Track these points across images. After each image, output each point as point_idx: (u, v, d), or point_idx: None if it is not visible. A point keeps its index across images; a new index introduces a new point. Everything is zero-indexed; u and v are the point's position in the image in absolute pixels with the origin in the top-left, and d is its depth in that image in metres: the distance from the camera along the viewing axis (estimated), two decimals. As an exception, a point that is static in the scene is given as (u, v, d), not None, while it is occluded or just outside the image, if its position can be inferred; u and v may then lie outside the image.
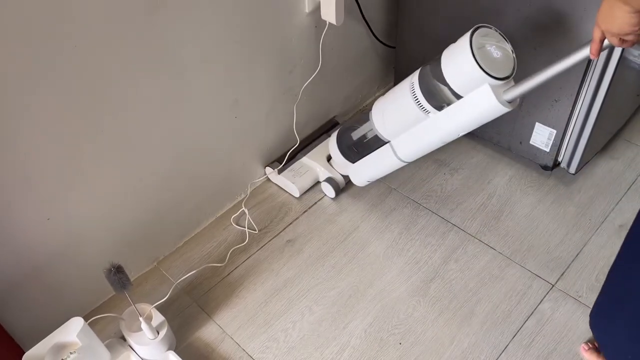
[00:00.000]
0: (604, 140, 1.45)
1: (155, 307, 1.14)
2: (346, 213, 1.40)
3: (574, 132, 1.30)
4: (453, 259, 1.28)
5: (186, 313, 1.22)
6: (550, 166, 1.39)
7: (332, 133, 1.40)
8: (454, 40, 1.39)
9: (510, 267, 1.26)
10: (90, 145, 1.04)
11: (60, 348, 0.98)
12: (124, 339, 1.14)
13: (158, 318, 1.13)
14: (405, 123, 1.15)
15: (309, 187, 1.45)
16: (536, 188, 1.41)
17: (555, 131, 1.32)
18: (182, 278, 1.28)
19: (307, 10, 1.29)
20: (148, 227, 1.25)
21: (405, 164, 1.23)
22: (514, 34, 1.24)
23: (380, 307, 1.20)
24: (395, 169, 1.26)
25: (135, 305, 1.06)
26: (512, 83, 1.01)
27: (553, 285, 1.22)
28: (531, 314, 1.17)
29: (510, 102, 1.00)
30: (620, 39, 0.76)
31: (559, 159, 1.38)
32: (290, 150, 1.46)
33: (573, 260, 1.26)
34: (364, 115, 1.26)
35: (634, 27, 0.72)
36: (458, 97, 1.04)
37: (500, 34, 1.02)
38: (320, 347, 1.15)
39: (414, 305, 1.20)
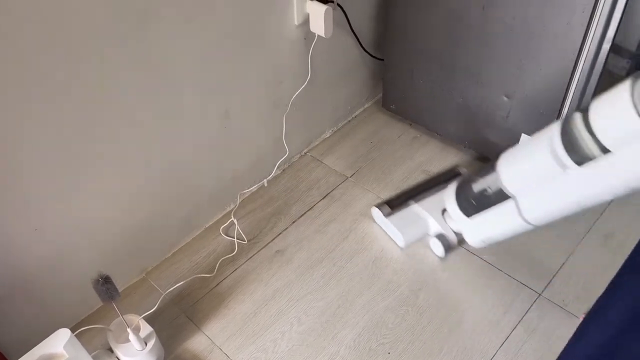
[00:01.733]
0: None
1: (143, 318, 1.13)
2: (335, 223, 1.40)
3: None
4: (441, 268, 1.29)
5: (175, 324, 1.22)
6: (537, 176, 1.40)
7: (450, 183, 1.25)
8: (441, 52, 1.42)
9: (498, 276, 1.27)
10: (78, 155, 1.04)
11: (46, 360, 0.97)
12: (111, 350, 1.13)
13: (146, 329, 1.12)
14: (536, 175, 0.99)
15: (416, 239, 1.33)
16: (523, 198, 1.43)
17: (540, 142, 1.33)
18: (171, 289, 1.27)
19: (296, 23, 1.31)
20: (136, 237, 1.25)
21: (531, 227, 1.06)
22: (499, 46, 1.27)
23: (369, 316, 1.21)
24: (518, 232, 1.09)
25: (123, 316, 1.05)
26: None
27: (540, 294, 1.23)
28: (518, 323, 1.18)
29: None
30: None
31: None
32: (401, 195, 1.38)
33: (559, 270, 1.27)
34: (489, 166, 1.11)
35: None
36: (606, 151, 0.86)
37: None
38: (309, 357, 1.15)
39: (403, 314, 1.21)
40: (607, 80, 1.23)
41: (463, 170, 1.43)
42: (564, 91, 1.23)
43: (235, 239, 1.37)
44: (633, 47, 1.27)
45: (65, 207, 1.07)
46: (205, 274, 1.30)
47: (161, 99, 1.12)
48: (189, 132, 1.23)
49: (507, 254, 1.31)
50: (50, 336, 0.98)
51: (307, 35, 1.36)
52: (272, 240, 1.37)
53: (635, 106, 0.80)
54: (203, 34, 1.13)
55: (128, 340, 1.09)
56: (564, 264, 1.28)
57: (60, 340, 0.98)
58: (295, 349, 1.16)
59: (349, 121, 1.70)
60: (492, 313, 1.20)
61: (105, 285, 0.97)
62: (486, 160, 1.46)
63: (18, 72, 0.88)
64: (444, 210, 1.30)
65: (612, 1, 1.07)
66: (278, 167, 1.52)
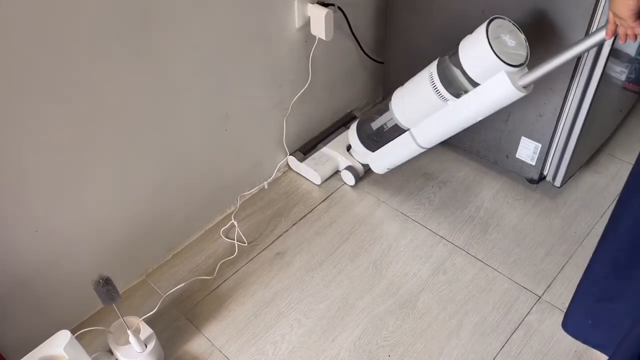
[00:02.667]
0: (588, 154, 1.48)
1: (143, 319, 1.13)
2: (335, 225, 1.40)
3: (559, 146, 1.33)
4: (441, 271, 1.29)
5: (174, 326, 1.22)
6: (536, 179, 1.41)
7: (351, 124, 1.46)
8: (440, 55, 1.42)
9: (498, 279, 1.27)
10: (79, 157, 1.04)
11: (46, 361, 0.97)
12: (111, 352, 1.13)
13: (146, 331, 1.12)
14: (425, 111, 1.21)
15: (329, 175, 1.52)
16: (522, 201, 1.43)
17: (540, 145, 1.34)
18: (171, 291, 1.27)
19: (297, 26, 1.31)
20: (137, 239, 1.25)
21: (424, 149, 1.29)
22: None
23: (369, 319, 1.21)
24: (415, 155, 1.33)
25: (123, 318, 1.05)
26: (526, 70, 1.07)
27: (540, 297, 1.23)
28: (518, 326, 1.18)
29: (525, 87, 1.07)
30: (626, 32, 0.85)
31: (545, 173, 1.40)
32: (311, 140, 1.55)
33: (559, 272, 1.27)
34: (383, 105, 1.32)
35: (630, 12, 0.81)
36: (475, 84, 1.11)
37: (513, 24, 1.08)
38: (309, 359, 1.15)
39: (403, 317, 1.21)
40: (606, 84, 1.24)
41: (358, 113, 1.64)
42: (564, 94, 1.23)
43: (235, 241, 1.37)
44: (632, 51, 1.27)
45: (66, 210, 1.07)
46: (206, 276, 1.30)
47: (161, 101, 1.13)
48: (189, 134, 1.23)
49: (507, 257, 1.31)
50: (51, 338, 0.98)
51: (308, 38, 1.36)
52: (272, 243, 1.37)
53: (490, 44, 1.03)
54: (204, 37, 1.13)
55: (128, 342, 1.09)
56: (564, 266, 1.28)
57: (61, 342, 0.98)
58: (296, 351, 1.16)
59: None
60: (492, 316, 1.20)
61: (105, 286, 0.97)
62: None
63: (19, 75, 0.89)
64: (348, 147, 1.51)
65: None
66: (278, 170, 1.53)
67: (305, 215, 1.44)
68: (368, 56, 1.59)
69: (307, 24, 1.33)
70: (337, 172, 1.53)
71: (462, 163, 1.55)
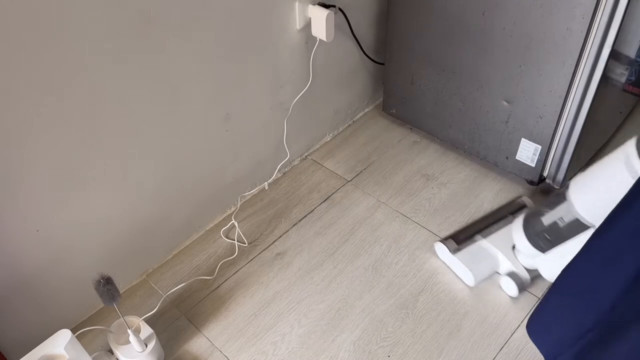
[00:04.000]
0: (587, 156, 1.48)
1: (143, 319, 1.13)
2: (335, 226, 1.41)
3: (559, 148, 1.33)
4: (441, 272, 1.29)
5: (175, 326, 1.22)
6: (536, 181, 1.42)
7: (517, 216, 1.23)
8: (441, 57, 1.43)
9: (497, 279, 1.27)
10: (81, 158, 1.04)
11: (47, 360, 0.97)
12: (111, 352, 1.13)
13: (146, 331, 1.12)
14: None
15: (485, 277, 1.26)
16: (522, 202, 1.44)
17: (540, 147, 1.34)
18: (171, 291, 1.28)
19: (298, 27, 1.32)
20: (137, 239, 1.25)
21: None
22: (499, 51, 1.28)
23: (369, 319, 1.21)
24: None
25: (124, 317, 1.06)
26: None
27: (539, 298, 1.23)
28: (518, 327, 1.18)
29: None
30: None
31: (545, 174, 1.40)
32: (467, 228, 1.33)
33: (559, 274, 1.27)
34: (557, 197, 1.08)
35: None
36: None
37: None
38: (309, 359, 1.15)
39: (403, 317, 1.21)
40: (606, 87, 1.24)
41: (527, 201, 1.38)
42: (564, 96, 1.23)
43: (235, 242, 1.38)
44: (632, 53, 1.28)
45: (67, 209, 1.07)
46: (206, 276, 1.31)
47: (162, 101, 1.13)
48: (190, 134, 1.23)
49: (506, 258, 1.31)
50: (51, 337, 0.99)
51: (309, 39, 1.37)
52: (272, 243, 1.38)
53: None
54: (204, 37, 1.14)
55: (128, 342, 1.09)
56: (563, 268, 1.28)
57: (61, 341, 0.98)
58: (295, 352, 1.16)
59: (350, 125, 1.71)
60: (492, 317, 1.20)
61: (106, 286, 0.98)
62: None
63: (19, 77, 0.89)
64: (513, 246, 1.24)
65: (612, 8, 1.08)
66: (279, 170, 1.53)
67: (305, 216, 1.44)
68: (369, 57, 1.60)
69: (308, 25, 1.33)
70: (495, 274, 1.27)
71: (462, 164, 1.55)
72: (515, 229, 1.18)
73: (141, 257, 1.29)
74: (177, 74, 1.13)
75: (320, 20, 1.30)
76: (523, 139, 1.36)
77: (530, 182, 1.43)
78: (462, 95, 1.43)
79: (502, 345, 1.15)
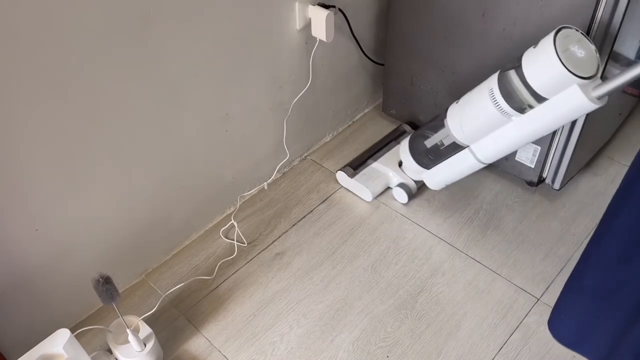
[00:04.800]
0: (587, 157, 1.49)
1: (142, 319, 1.13)
2: (335, 226, 1.41)
3: (558, 149, 1.33)
4: (440, 272, 1.30)
5: (174, 325, 1.22)
6: (535, 182, 1.42)
7: (401, 140, 1.44)
8: (441, 57, 1.43)
9: (497, 281, 1.27)
10: (80, 157, 1.05)
11: (46, 360, 0.97)
12: (110, 351, 1.13)
13: (145, 330, 1.12)
14: (486, 128, 1.16)
15: (380, 191, 1.47)
16: (521, 203, 1.44)
17: (539, 148, 1.34)
18: (170, 290, 1.28)
19: (298, 27, 1.32)
20: (136, 239, 1.25)
21: (485, 164, 1.24)
22: (499, 52, 1.28)
23: (368, 320, 1.21)
24: (474, 171, 1.27)
25: (123, 317, 1.06)
26: (599, 80, 1.02)
27: (538, 299, 1.23)
28: (517, 328, 1.18)
29: (599, 98, 1.01)
30: None
31: (544, 175, 1.41)
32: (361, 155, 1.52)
33: (558, 275, 1.28)
34: (436, 122, 1.27)
35: None
36: (542, 99, 1.04)
37: (582, 33, 1.02)
38: (308, 359, 1.15)
39: (402, 318, 1.21)
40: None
41: (407, 128, 1.60)
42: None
43: (235, 242, 1.38)
44: (631, 54, 1.28)
45: (66, 208, 1.08)
46: (205, 276, 1.31)
47: (161, 102, 1.13)
48: (189, 134, 1.23)
49: (506, 259, 1.31)
50: (50, 336, 0.99)
51: (309, 39, 1.37)
52: (271, 243, 1.38)
53: (558, 56, 0.97)
54: (204, 37, 1.14)
55: (127, 342, 1.09)
56: (562, 268, 1.29)
57: (60, 341, 0.98)
58: (294, 352, 1.16)
59: (349, 125, 1.71)
60: (491, 317, 1.20)
61: (105, 285, 0.98)
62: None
63: (19, 75, 0.89)
64: (400, 163, 1.46)
65: (611, 9, 1.08)
66: (278, 171, 1.53)
67: (304, 216, 1.44)
68: (368, 58, 1.60)
69: (308, 25, 1.33)
70: (387, 188, 1.48)
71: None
72: (403, 150, 1.39)
73: (140, 257, 1.29)
74: (176, 73, 1.13)
75: (320, 21, 1.30)
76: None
77: (530, 183, 1.43)
78: (461, 95, 1.43)
79: (500, 346, 1.16)
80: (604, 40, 1.13)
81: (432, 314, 1.21)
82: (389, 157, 1.51)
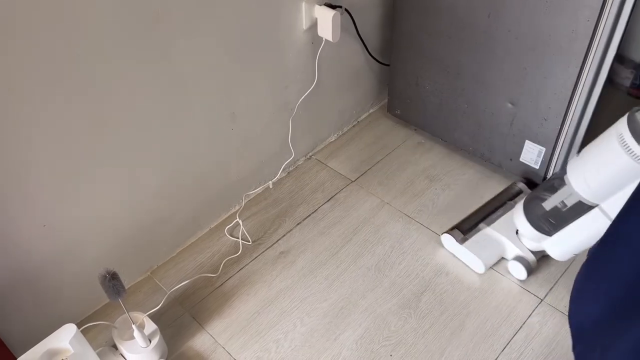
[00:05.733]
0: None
1: (147, 315, 1.14)
2: (339, 225, 1.41)
3: (563, 150, 1.33)
4: (444, 272, 1.30)
5: (178, 322, 1.23)
6: (540, 183, 1.42)
7: (517, 202, 1.26)
8: (446, 58, 1.43)
9: (500, 281, 1.27)
10: (87, 154, 1.05)
11: (52, 354, 0.98)
12: (115, 347, 1.14)
13: (150, 327, 1.13)
14: (618, 180, 0.99)
15: (494, 263, 1.29)
16: (526, 204, 1.44)
17: (544, 149, 1.35)
18: (175, 287, 1.28)
19: (304, 27, 1.33)
20: (142, 236, 1.26)
21: None
22: (504, 53, 1.29)
23: (371, 319, 1.21)
24: None
25: (129, 313, 1.06)
26: None
27: (542, 300, 1.23)
28: (520, 328, 1.19)
29: None
30: None
31: (549, 176, 1.41)
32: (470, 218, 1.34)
33: (561, 276, 1.28)
34: (556, 180, 1.11)
35: None
36: None
37: None
38: (311, 358, 1.15)
39: (405, 317, 1.21)
40: (610, 90, 1.24)
41: (523, 187, 1.41)
42: (568, 99, 1.24)
43: (239, 240, 1.39)
44: (637, 57, 1.28)
45: (73, 205, 1.08)
46: (210, 273, 1.32)
47: (168, 100, 1.14)
48: (195, 133, 1.24)
49: (509, 260, 1.32)
50: (56, 331, 1.00)
51: (315, 39, 1.38)
52: (276, 242, 1.38)
53: None
54: (211, 37, 1.15)
55: (132, 338, 1.09)
56: (566, 269, 1.29)
57: (66, 336, 0.99)
58: (298, 349, 1.17)
59: (354, 125, 1.71)
60: (494, 318, 1.21)
61: (112, 281, 0.98)
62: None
63: (26, 73, 0.90)
64: (517, 231, 1.27)
65: (617, 11, 1.08)
66: (283, 170, 1.54)
67: (309, 215, 1.44)
68: (374, 58, 1.60)
69: (314, 25, 1.34)
70: (502, 259, 1.31)
71: (466, 166, 1.55)
72: (517, 215, 1.20)
73: (146, 254, 1.30)
74: (183, 72, 1.13)
75: (326, 21, 1.30)
76: (527, 141, 1.37)
77: (534, 185, 1.43)
78: (466, 96, 1.44)
79: (504, 345, 1.16)
80: (609, 42, 1.13)
81: (436, 313, 1.22)
82: (504, 221, 1.31)
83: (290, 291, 1.27)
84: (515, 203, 1.26)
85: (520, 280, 1.26)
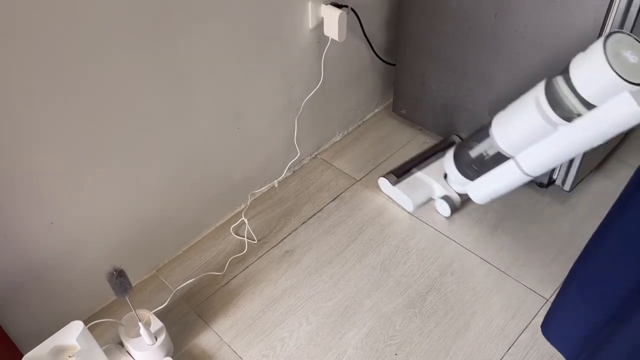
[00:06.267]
0: (598, 159, 1.48)
1: (153, 313, 1.15)
2: (344, 225, 1.42)
3: (569, 150, 1.34)
4: (449, 272, 1.30)
5: (184, 320, 1.23)
6: (546, 183, 1.42)
7: (447, 151, 1.37)
8: (452, 58, 1.43)
9: (506, 281, 1.27)
10: (94, 152, 1.06)
11: (59, 351, 0.99)
12: (122, 344, 1.15)
13: (156, 324, 1.13)
14: (532, 138, 1.11)
15: (423, 202, 1.42)
16: (532, 204, 1.44)
17: (550, 149, 1.35)
18: (181, 286, 1.29)
19: (310, 27, 1.33)
20: (148, 234, 1.26)
21: (531, 178, 1.18)
22: (510, 54, 1.28)
23: (376, 318, 1.22)
24: (521, 184, 1.21)
25: (135, 310, 1.07)
26: None
27: (547, 300, 1.23)
28: (525, 328, 1.19)
29: None
30: None
31: (554, 177, 1.40)
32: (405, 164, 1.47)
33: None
34: (482, 132, 1.22)
35: None
36: (590, 107, 0.99)
37: (635, 38, 0.96)
38: (316, 356, 1.16)
39: (410, 317, 1.22)
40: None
41: (456, 138, 1.54)
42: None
43: (245, 239, 1.39)
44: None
45: (81, 202, 1.09)
46: (215, 272, 1.32)
47: (174, 99, 1.14)
48: (201, 132, 1.25)
49: (515, 259, 1.31)
50: (63, 328, 1.00)
51: (321, 39, 1.38)
52: (281, 241, 1.39)
53: (608, 61, 0.92)
54: (216, 36, 1.15)
55: (139, 335, 1.10)
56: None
57: (73, 332, 0.99)
58: (303, 348, 1.17)
59: (360, 125, 1.71)
60: (500, 318, 1.21)
61: (119, 278, 0.99)
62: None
63: (34, 73, 0.90)
64: (445, 175, 1.41)
65: (624, 11, 1.08)
66: (289, 169, 1.54)
67: (314, 214, 1.45)
68: (380, 58, 1.60)
69: (320, 24, 1.34)
70: (430, 199, 1.44)
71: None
72: (447, 162, 1.34)
73: (152, 252, 1.31)
74: (189, 71, 1.14)
75: (332, 20, 1.31)
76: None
77: (540, 184, 1.43)
78: (472, 97, 1.43)
79: (509, 345, 1.16)
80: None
81: (441, 312, 1.22)
82: (434, 167, 1.46)
83: (296, 290, 1.28)
84: (446, 152, 1.42)
85: (446, 217, 1.40)
